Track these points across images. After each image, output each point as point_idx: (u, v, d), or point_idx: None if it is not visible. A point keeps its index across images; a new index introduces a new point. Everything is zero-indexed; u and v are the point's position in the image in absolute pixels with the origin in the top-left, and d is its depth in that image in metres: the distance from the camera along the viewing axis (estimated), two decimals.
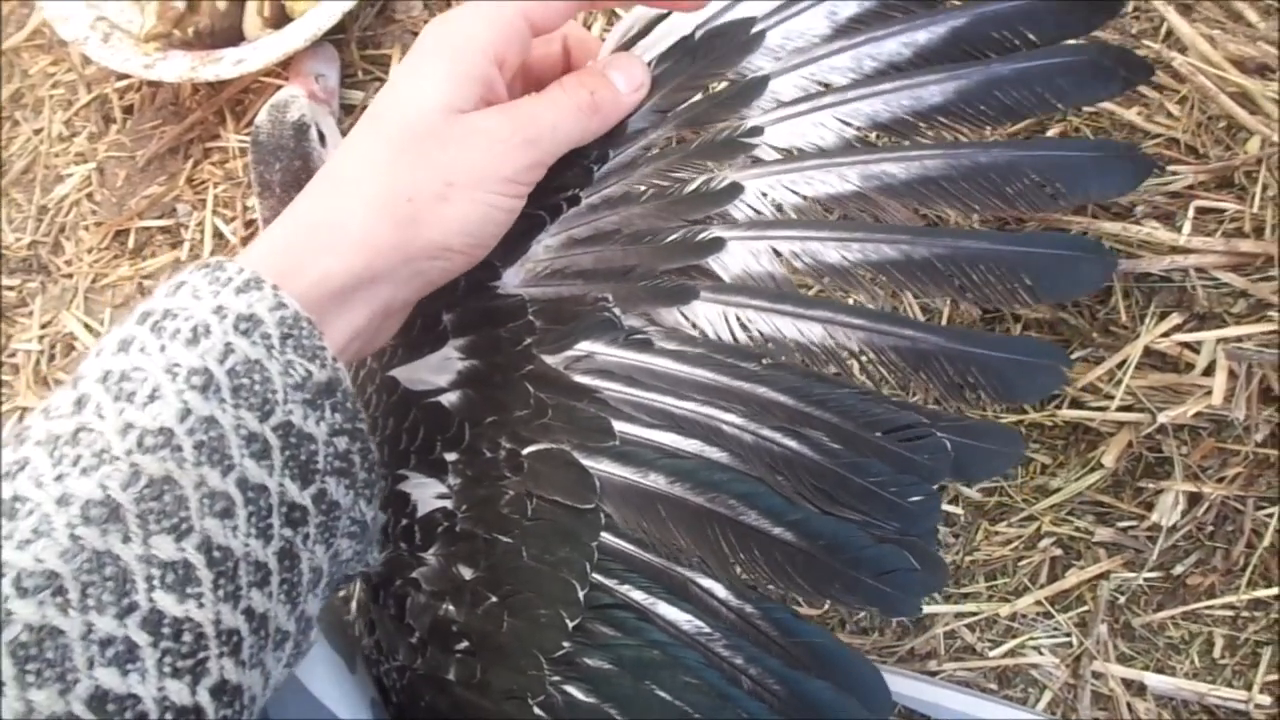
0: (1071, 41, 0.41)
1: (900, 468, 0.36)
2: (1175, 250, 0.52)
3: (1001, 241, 0.38)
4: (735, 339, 0.39)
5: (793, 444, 0.37)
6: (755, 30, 0.41)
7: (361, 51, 0.75)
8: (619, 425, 0.38)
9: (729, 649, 0.37)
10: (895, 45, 0.41)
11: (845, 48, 0.41)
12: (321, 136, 0.67)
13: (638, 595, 0.38)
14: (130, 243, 0.77)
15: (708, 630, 0.37)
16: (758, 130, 0.41)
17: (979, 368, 0.37)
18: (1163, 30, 0.55)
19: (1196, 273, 0.52)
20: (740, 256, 0.39)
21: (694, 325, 0.39)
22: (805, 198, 0.40)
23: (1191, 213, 0.52)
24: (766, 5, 0.42)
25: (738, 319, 0.39)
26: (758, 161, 0.41)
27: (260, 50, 0.70)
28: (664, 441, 0.38)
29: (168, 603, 0.29)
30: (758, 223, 0.40)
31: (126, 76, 0.79)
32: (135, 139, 0.79)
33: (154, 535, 0.29)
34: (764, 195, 0.40)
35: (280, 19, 0.73)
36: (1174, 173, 0.52)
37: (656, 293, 0.39)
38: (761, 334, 0.39)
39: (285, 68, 0.73)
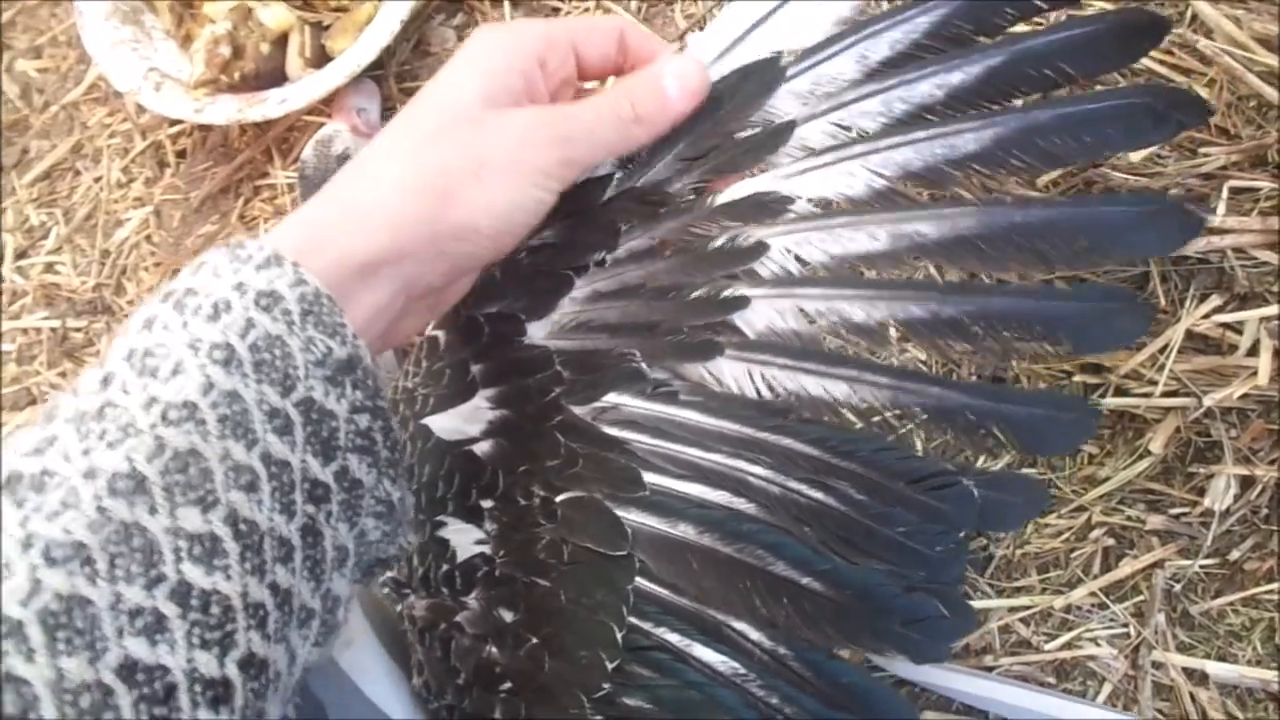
0: (1124, 85, 0.40)
1: (927, 516, 0.37)
2: (1211, 231, 0.51)
3: (1032, 298, 0.37)
4: (760, 395, 0.39)
5: (819, 495, 0.37)
6: (782, 70, 0.40)
7: (400, 85, 0.77)
8: (648, 476, 0.39)
9: (764, 689, 0.38)
10: (928, 88, 0.39)
11: (875, 91, 0.39)
12: None
13: (673, 637, 0.39)
14: None
15: (743, 671, 0.38)
16: (787, 200, 0.40)
17: (1006, 423, 0.37)
18: (1188, 15, 0.55)
19: (1234, 253, 0.51)
20: (765, 314, 0.39)
21: (719, 381, 0.39)
22: (833, 256, 0.39)
23: (1225, 193, 0.51)
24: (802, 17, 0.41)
25: (762, 376, 0.39)
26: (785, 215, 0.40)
27: (303, 89, 0.73)
28: (692, 492, 0.39)
29: (196, 575, 0.29)
30: (783, 280, 0.39)
31: (178, 122, 0.82)
32: (189, 181, 0.82)
33: (180, 507, 0.29)
34: (790, 252, 0.39)
35: (321, 58, 0.76)
36: (1205, 155, 0.52)
37: (681, 349, 0.40)
38: (786, 390, 0.38)
39: (328, 104, 0.75)
